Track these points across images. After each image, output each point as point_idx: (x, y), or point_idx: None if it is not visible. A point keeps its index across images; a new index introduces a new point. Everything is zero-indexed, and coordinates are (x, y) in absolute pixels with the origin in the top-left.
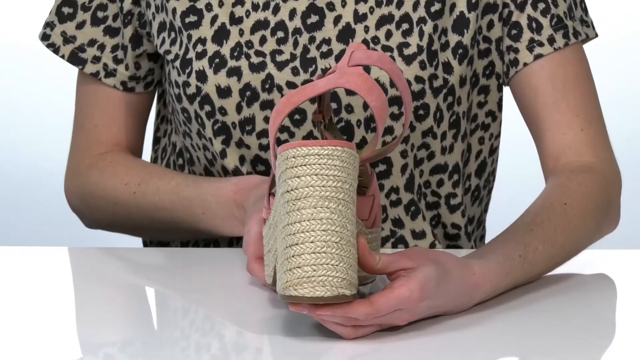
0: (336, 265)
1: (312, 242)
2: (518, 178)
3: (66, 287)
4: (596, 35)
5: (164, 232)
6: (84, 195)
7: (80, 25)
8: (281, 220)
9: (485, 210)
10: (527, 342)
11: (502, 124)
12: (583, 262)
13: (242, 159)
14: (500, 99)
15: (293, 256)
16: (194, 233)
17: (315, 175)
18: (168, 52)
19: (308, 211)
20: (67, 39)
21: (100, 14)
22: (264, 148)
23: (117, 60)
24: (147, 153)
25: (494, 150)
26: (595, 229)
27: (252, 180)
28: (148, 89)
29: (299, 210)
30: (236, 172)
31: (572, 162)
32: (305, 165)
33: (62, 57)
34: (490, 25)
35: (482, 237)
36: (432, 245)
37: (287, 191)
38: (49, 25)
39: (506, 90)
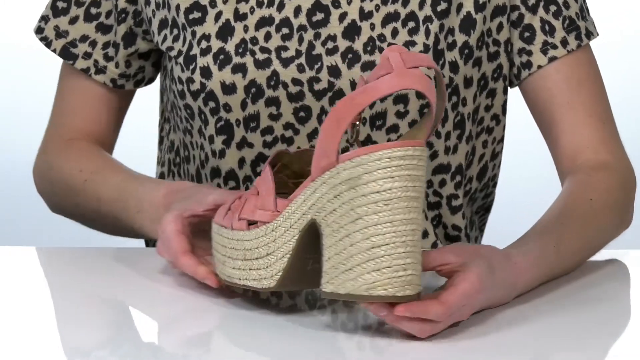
0: (417, 264)
1: (403, 241)
2: (520, 179)
3: (65, 287)
4: (597, 35)
5: (104, 227)
6: (46, 177)
7: (73, 21)
8: (362, 221)
9: (477, 212)
10: (543, 341)
11: (505, 128)
12: (599, 262)
13: (241, 161)
14: (505, 102)
15: (383, 256)
16: (130, 232)
17: (409, 176)
18: (171, 48)
19: (401, 211)
20: (60, 34)
21: (93, 10)
22: (268, 145)
23: (107, 58)
24: (153, 153)
25: (495, 155)
26: (617, 225)
27: (182, 185)
28: (138, 87)
29: (391, 211)
30: (231, 175)
31: (589, 159)
32: (400, 166)
33: (54, 51)
34: (500, 27)
35: (476, 238)
36: (434, 245)
37: (379, 191)
38: (44, 18)
39: (510, 94)
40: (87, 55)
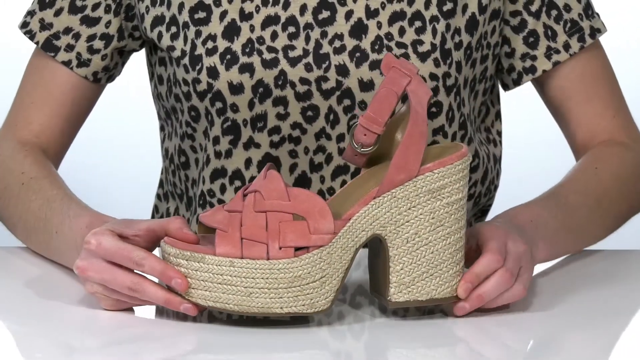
0: None
1: (465, 241)
2: (519, 180)
3: (64, 288)
4: (605, 30)
5: (27, 238)
6: None
7: (58, 13)
8: (443, 228)
9: (473, 214)
10: (534, 342)
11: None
12: (590, 261)
13: (248, 162)
14: (482, 104)
15: (461, 258)
16: (45, 250)
17: (468, 181)
18: (172, 48)
19: (466, 214)
20: (44, 26)
21: (79, 3)
22: (275, 145)
23: (92, 50)
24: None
25: (495, 159)
26: (630, 196)
27: (109, 218)
28: (108, 82)
29: (465, 215)
30: (237, 175)
31: (606, 140)
32: (466, 173)
33: (37, 43)
34: (493, 31)
35: None
36: None
37: (460, 199)
38: (30, 13)
39: (508, 97)
40: (69, 48)
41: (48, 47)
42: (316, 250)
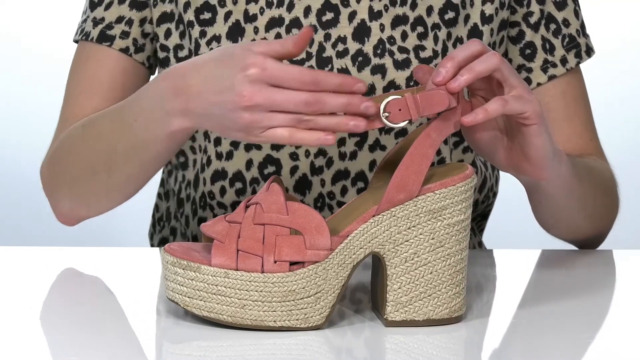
0: None
1: (466, 263)
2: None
3: (63, 288)
4: (594, 52)
5: (105, 166)
6: (52, 159)
7: (107, 6)
8: (443, 249)
9: (473, 219)
10: (532, 341)
11: None
12: (584, 262)
13: (249, 163)
14: None
15: (461, 279)
16: (130, 152)
17: (471, 201)
18: (181, 47)
19: (469, 234)
20: (97, 22)
21: None
22: (276, 147)
23: (145, 35)
24: None
25: (493, 166)
26: (607, 200)
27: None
28: (153, 74)
29: (467, 236)
30: (238, 176)
31: (583, 156)
32: (469, 195)
33: (92, 39)
34: (501, 42)
35: (480, 243)
36: None
37: (463, 220)
38: (84, 21)
39: None
40: (124, 35)
41: (103, 39)
42: (311, 266)
